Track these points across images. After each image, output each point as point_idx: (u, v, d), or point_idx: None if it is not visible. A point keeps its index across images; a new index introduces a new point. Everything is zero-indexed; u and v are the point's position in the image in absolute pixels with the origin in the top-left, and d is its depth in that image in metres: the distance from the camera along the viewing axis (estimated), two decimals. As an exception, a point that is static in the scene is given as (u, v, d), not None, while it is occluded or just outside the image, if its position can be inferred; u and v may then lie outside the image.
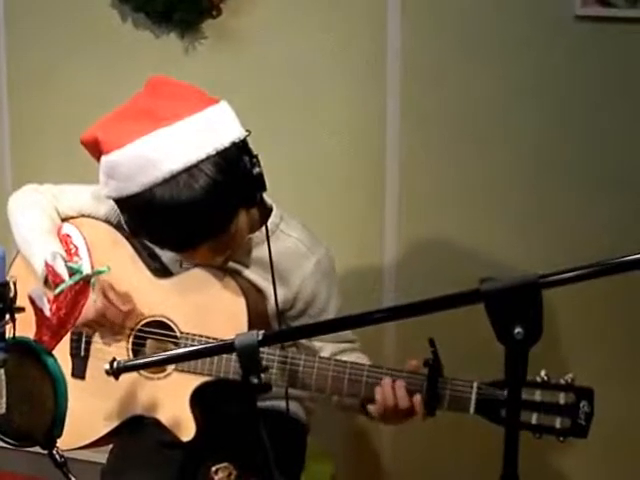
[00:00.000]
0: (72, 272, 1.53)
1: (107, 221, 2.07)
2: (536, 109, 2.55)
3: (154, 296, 2.02)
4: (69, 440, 2.00)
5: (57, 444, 1.55)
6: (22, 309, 1.48)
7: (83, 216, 2.09)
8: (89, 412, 2.02)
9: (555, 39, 2.48)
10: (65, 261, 1.54)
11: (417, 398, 1.75)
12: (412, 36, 2.59)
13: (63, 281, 1.52)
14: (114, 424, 2.01)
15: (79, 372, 2.04)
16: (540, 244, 2.59)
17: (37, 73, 3.03)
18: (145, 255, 2.06)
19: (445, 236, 2.68)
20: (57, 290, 1.52)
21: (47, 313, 1.53)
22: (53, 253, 1.54)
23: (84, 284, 1.53)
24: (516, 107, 2.56)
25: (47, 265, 1.54)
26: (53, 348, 1.55)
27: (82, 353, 2.06)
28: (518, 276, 1.27)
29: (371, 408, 1.83)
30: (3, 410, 1.48)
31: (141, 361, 1.53)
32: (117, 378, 1.55)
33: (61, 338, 1.55)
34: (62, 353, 2.02)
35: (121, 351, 2.03)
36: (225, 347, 1.39)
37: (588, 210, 2.55)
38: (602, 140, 2.51)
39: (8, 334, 1.47)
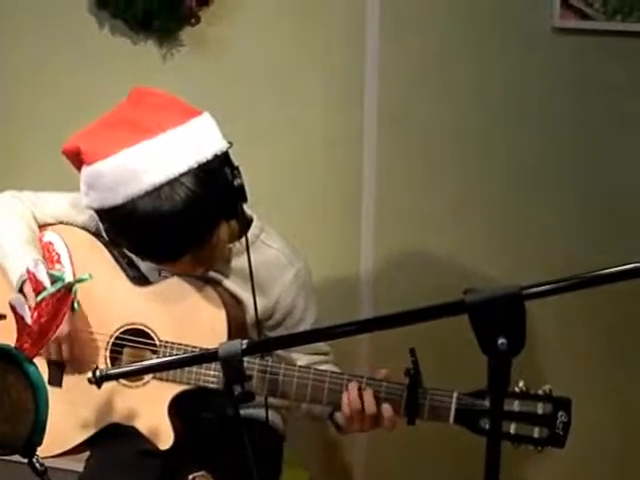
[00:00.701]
0: (54, 280, 1.52)
1: (85, 229, 2.06)
2: (514, 120, 2.57)
3: (133, 304, 2.01)
4: (45, 448, 1.98)
5: (37, 452, 1.53)
6: (3, 316, 1.47)
7: (62, 223, 2.09)
8: (66, 420, 2.00)
9: (532, 52, 2.50)
10: (47, 268, 1.53)
11: (386, 407, 1.76)
12: (390, 46, 2.60)
13: (45, 288, 1.52)
14: (91, 432, 2.00)
15: (56, 380, 2.02)
16: (518, 255, 2.60)
17: (12, 76, 3.01)
18: (124, 263, 2.05)
19: (422, 246, 2.70)
20: (39, 297, 1.51)
21: (28, 321, 1.53)
22: (35, 260, 1.53)
23: (65, 292, 1.52)
24: (493, 118, 2.58)
25: (29, 272, 1.54)
26: (34, 356, 1.54)
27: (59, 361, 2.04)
28: (501, 287, 1.29)
29: (338, 415, 1.85)
30: (-17, 419, 1.46)
31: (124, 370, 1.52)
32: (99, 387, 1.55)
33: (42, 346, 1.55)
34: (39, 360, 2.02)
35: (99, 359, 2.02)
36: (208, 356, 1.39)
37: (565, 219, 2.57)
38: (582, 152, 2.54)
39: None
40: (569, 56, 2.46)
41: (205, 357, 1.43)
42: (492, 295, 1.28)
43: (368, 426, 1.81)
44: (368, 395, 1.78)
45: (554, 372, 2.57)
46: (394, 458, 2.78)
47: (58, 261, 1.55)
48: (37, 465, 1.54)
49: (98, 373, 1.50)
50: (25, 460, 1.55)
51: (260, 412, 2.03)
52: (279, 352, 2.06)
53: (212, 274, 2.02)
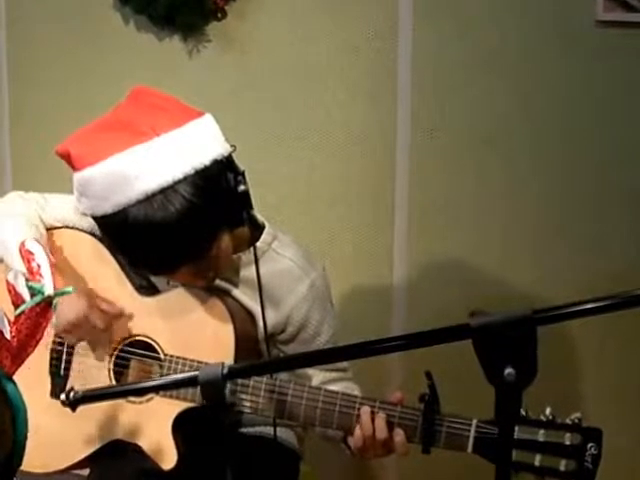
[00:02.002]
0: (33, 292, 1.41)
1: (92, 233, 1.95)
2: (556, 118, 2.44)
3: (138, 315, 1.90)
4: (47, 462, 1.94)
5: (15, 475, 1.42)
6: (-19, 330, 1.37)
7: (67, 227, 2.00)
8: (68, 434, 1.91)
9: (576, 45, 2.38)
10: (27, 280, 1.42)
11: (398, 432, 1.62)
12: (425, 43, 2.50)
13: (24, 302, 1.41)
14: (93, 448, 1.90)
15: (58, 392, 1.92)
16: (556, 263, 2.46)
17: (39, 76, 2.95)
18: (131, 271, 1.94)
19: (456, 254, 2.59)
20: (17, 311, 1.40)
21: (7, 336, 1.42)
22: (15, 272, 1.43)
23: (45, 305, 1.41)
24: (534, 117, 2.46)
25: (8, 284, 1.43)
26: (14, 373, 1.44)
27: (62, 372, 1.94)
28: (511, 311, 1.14)
29: (350, 439, 1.70)
30: (-42, 438, 1.36)
31: (100, 392, 1.41)
32: (74, 410, 1.44)
33: (22, 362, 1.44)
34: (42, 372, 1.94)
35: (102, 371, 1.92)
36: (188, 381, 1.27)
37: (609, 228, 2.44)
38: (628, 151, 2.40)
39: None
40: (613, 49, 2.34)
41: (184, 382, 1.30)
42: (500, 319, 1.14)
43: (381, 452, 1.68)
44: (380, 420, 1.64)
45: (586, 399, 2.41)
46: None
47: (38, 272, 1.43)
48: (15, 490, 1.42)
49: (72, 395, 1.39)
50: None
51: (271, 430, 1.89)
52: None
53: (221, 284, 1.90)
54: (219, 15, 2.62)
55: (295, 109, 2.67)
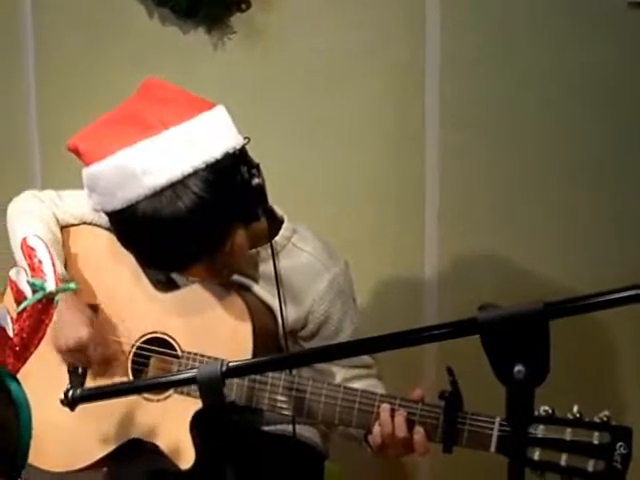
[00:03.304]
0: (35, 289, 1.37)
1: (109, 230, 1.92)
2: (586, 105, 2.37)
3: (155, 311, 1.87)
4: (65, 461, 1.92)
5: (21, 476, 1.39)
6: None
7: (85, 224, 1.97)
8: (86, 433, 1.88)
9: (607, 28, 2.30)
10: (28, 277, 1.38)
11: (418, 430, 1.56)
12: (452, 31, 2.44)
13: (26, 298, 1.37)
14: (111, 447, 1.86)
15: (77, 391, 1.89)
16: (589, 255, 2.38)
17: (65, 69, 2.94)
18: (150, 269, 1.90)
19: (487, 245, 2.52)
20: (19, 308, 1.37)
21: (10, 333, 1.39)
22: (17, 268, 1.39)
23: (47, 302, 1.38)
24: (564, 104, 2.38)
25: (10, 281, 1.40)
26: (18, 371, 1.41)
27: (80, 370, 1.91)
28: (521, 304, 1.08)
29: (370, 438, 1.65)
30: (-39, 437, 1.33)
31: (98, 391, 1.37)
32: (72, 409, 1.40)
33: (25, 361, 1.41)
34: (61, 370, 1.91)
35: (121, 369, 1.88)
36: (186, 380, 1.22)
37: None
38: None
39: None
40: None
41: (182, 381, 1.26)
42: (509, 313, 1.08)
43: (401, 451, 1.62)
44: (400, 418, 1.58)
45: (619, 396, 2.32)
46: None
47: (40, 269, 1.39)
48: (21, 489, 1.39)
49: (70, 394, 1.35)
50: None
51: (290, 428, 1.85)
52: (316, 364, 1.89)
53: (240, 280, 1.85)
54: (243, 6, 2.58)
55: (321, 101, 2.62)
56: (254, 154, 1.73)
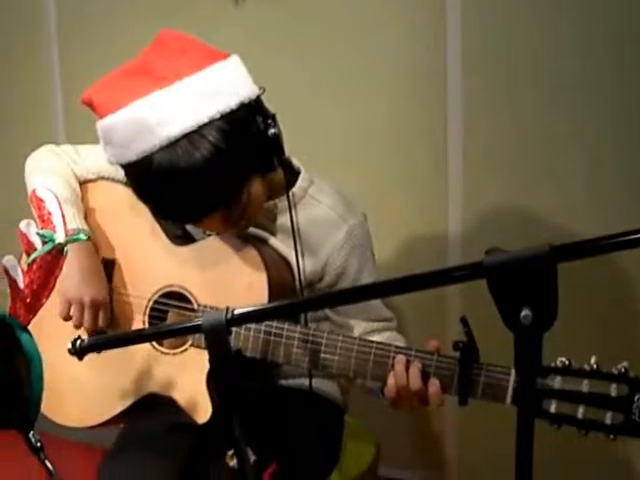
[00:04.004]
0: (44, 240, 1.36)
1: (127, 184, 1.91)
2: (611, 58, 2.30)
3: (172, 264, 1.86)
4: (85, 417, 1.92)
5: (33, 428, 1.39)
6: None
7: (102, 179, 1.96)
8: (105, 389, 1.89)
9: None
10: (38, 228, 1.38)
11: (433, 382, 1.55)
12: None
13: (35, 249, 1.37)
14: (129, 402, 1.87)
15: (94, 346, 1.89)
16: (618, 209, 2.34)
17: (87, 31, 2.95)
18: (166, 221, 1.89)
19: (511, 199, 2.48)
20: (29, 259, 1.37)
21: (21, 285, 1.38)
22: (27, 220, 1.39)
23: (57, 253, 1.37)
24: (595, 57, 2.32)
25: (20, 233, 1.39)
26: (29, 323, 1.40)
27: None
28: (528, 247, 1.05)
29: (385, 390, 1.63)
30: (-26, 388, 1.33)
31: (104, 340, 1.37)
32: (81, 358, 1.40)
33: (36, 312, 1.40)
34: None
35: (137, 323, 1.88)
36: (192, 327, 1.21)
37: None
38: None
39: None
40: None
41: (188, 329, 1.25)
42: (516, 256, 1.05)
43: (417, 403, 1.60)
44: (415, 370, 1.56)
45: (636, 348, 2.28)
46: (483, 433, 2.55)
47: (49, 220, 1.38)
48: (33, 440, 1.39)
49: (78, 344, 1.34)
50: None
51: (313, 382, 1.84)
52: (334, 318, 1.89)
53: (257, 232, 1.84)
54: (266, -37, 2.55)
55: (344, 56, 2.58)
56: (275, 108, 1.71)
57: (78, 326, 1.82)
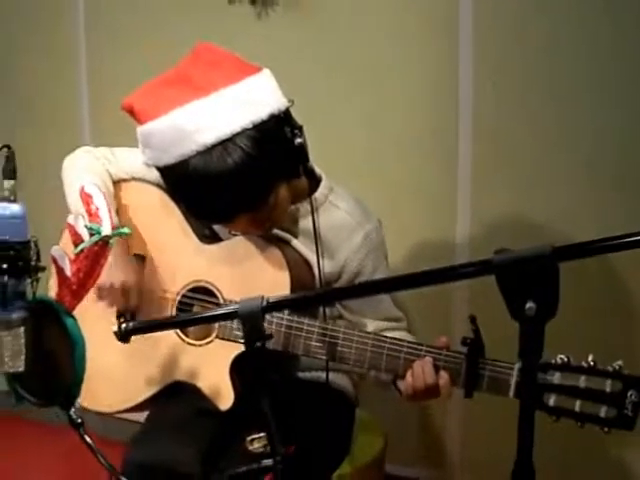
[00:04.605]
0: (92, 233, 1.49)
1: (158, 185, 2.04)
2: (626, 64, 2.41)
3: (200, 261, 1.99)
4: (113, 402, 2.04)
5: (75, 405, 1.52)
6: (43, 268, 1.47)
7: (135, 179, 2.09)
8: (133, 376, 2.01)
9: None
10: (86, 221, 1.51)
11: (442, 374, 1.67)
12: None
13: (83, 241, 1.50)
14: (156, 389, 2.00)
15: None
16: (623, 216, 2.44)
17: (115, 38, 3.09)
18: (195, 220, 2.03)
19: (520, 207, 2.59)
20: (76, 250, 1.49)
21: (68, 273, 1.51)
22: (76, 214, 1.52)
23: (103, 244, 1.50)
24: (601, 65, 2.43)
25: (69, 225, 1.52)
26: (74, 308, 1.52)
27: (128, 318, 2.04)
28: (532, 247, 1.18)
29: (400, 384, 1.76)
30: (22, 368, 1.45)
31: (148, 324, 1.50)
32: (125, 341, 1.53)
33: (81, 298, 1.53)
34: (111, 318, 2.03)
35: (166, 315, 2.00)
36: (229, 313, 1.34)
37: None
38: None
39: (29, 293, 1.46)
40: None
41: (226, 315, 1.38)
42: (521, 255, 1.18)
43: (428, 395, 1.73)
44: (428, 365, 1.69)
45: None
46: (488, 428, 2.65)
47: (97, 214, 1.51)
48: (74, 417, 1.52)
49: (123, 327, 1.47)
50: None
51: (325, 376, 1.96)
52: (348, 317, 2.01)
53: (280, 234, 1.97)
54: (287, -22, 2.68)
55: (360, 69, 2.71)
56: (298, 116, 1.84)
57: (110, 307, 1.96)
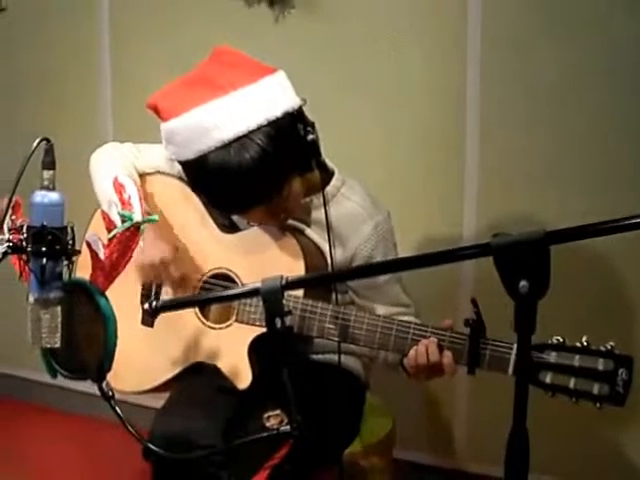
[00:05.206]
0: (124, 219, 1.62)
1: (180, 178, 2.17)
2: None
3: (220, 250, 2.12)
4: (138, 382, 2.17)
5: (106, 378, 1.64)
6: (78, 251, 1.58)
7: (159, 173, 2.22)
8: (156, 358, 2.14)
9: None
10: (118, 209, 1.63)
11: (447, 353, 1.79)
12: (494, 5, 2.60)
13: (116, 227, 1.62)
14: (178, 369, 2.13)
15: (148, 321, 2.15)
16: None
17: (138, 42, 3.21)
18: (215, 211, 2.15)
19: (527, 206, 2.68)
20: (110, 235, 1.62)
21: (101, 256, 1.63)
22: (109, 202, 1.64)
23: (134, 230, 1.62)
24: (611, 65, 2.50)
25: (102, 212, 1.65)
26: (106, 288, 1.64)
27: (153, 294, 2.16)
28: (526, 231, 1.30)
29: (405, 361, 1.88)
30: (58, 344, 1.57)
31: (176, 302, 1.63)
32: (154, 316, 1.65)
33: (113, 279, 1.65)
34: (134, 303, 2.17)
35: (189, 299, 2.12)
36: (251, 292, 1.47)
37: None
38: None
39: (65, 275, 1.58)
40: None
41: (248, 292, 1.51)
42: (516, 239, 1.30)
43: (432, 372, 1.85)
44: (432, 344, 1.82)
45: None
46: (490, 413, 2.75)
47: (129, 202, 1.64)
48: (106, 389, 1.64)
49: (153, 305, 1.61)
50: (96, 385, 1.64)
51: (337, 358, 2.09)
52: (359, 302, 2.13)
53: (295, 224, 2.10)
54: (303, -17, 2.79)
55: (373, 70, 2.81)
56: (312, 115, 1.97)
57: (160, 283, 2.10)
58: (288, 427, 1.55)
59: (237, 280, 2.08)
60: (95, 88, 3.32)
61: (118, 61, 3.27)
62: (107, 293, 1.66)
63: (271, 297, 1.43)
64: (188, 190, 2.15)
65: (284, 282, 1.43)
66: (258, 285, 1.45)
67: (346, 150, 2.69)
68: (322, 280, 1.53)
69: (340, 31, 2.84)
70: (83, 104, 3.37)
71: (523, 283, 1.29)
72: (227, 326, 2.07)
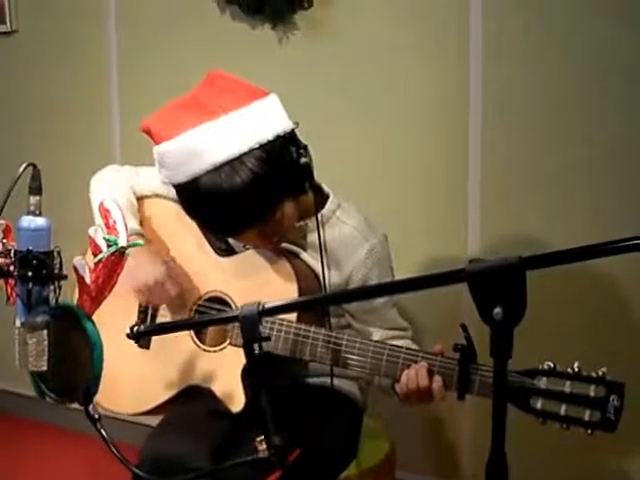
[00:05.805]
0: (109, 244, 1.63)
1: (178, 201, 2.17)
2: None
3: (216, 273, 2.12)
4: (133, 405, 2.17)
5: (93, 401, 1.64)
6: (65, 276, 1.60)
7: (157, 196, 2.23)
8: (152, 380, 2.14)
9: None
10: (104, 234, 1.64)
11: (437, 378, 1.78)
12: (494, 19, 2.61)
13: (101, 252, 1.63)
14: (173, 392, 2.12)
15: (144, 343, 2.14)
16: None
17: (144, 61, 3.23)
18: (211, 234, 2.15)
19: (530, 228, 2.66)
20: (96, 259, 1.63)
21: (87, 281, 1.64)
22: (95, 227, 1.65)
23: (119, 255, 1.63)
24: (617, 80, 2.50)
25: (89, 237, 1.66)
26: (93, 313, 1.65)
27: (149, 315, 2.16)
28: (501, 258, 1.29)
29: (397, 386, 1.87)
30: (45, 368, 1.58)
31: (159, 326, 1.63)
32: (137, 341, 1.65)
33: (100, 304, 1.65)
34: (126, 320, 2.13)
35: (184, 322, 2.12)
36: (230, 317, 1.47)
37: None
38: None
39: (52, 299, 1.59)
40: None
41: (228, 318, 1.51)
42: (491, 265, 1.29)
43: (424, 398, 1.83)
44: (422, 369, 1.80)
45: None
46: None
47: (114, 227, 1.65)
48: (92, 412, 1.64)
49: (135, 329, 1.61)
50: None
51: (335, 381, 2.08)
52: (356, 326, 2.12)
53: (290, 247, 2.10)
54: (305, 4, 2.80)
55: (375, 90, 2.82)
56: (311, 134, 1.98)
57: (159, 304, 2.11)
58: (266, 453, 1.52)
59: (232, 304, 2.08)
60: (103, 110, 3.35)
61: (125, 82, 3.29)
62: (106, 315, 1.68)
63: (248, 323, 1.42)
64: (184, 214, 2.15)
65: (261, 308, 1.43)
66: (237, 312, 1.45)
67: (349, 170, 2.70)
68: (301, 306, 1.52)
69: (343, 52, 2.84)
70: (91, 124, 3.40)
71: (497, 310, 1.28)
72: (221, 349, 2.07)
